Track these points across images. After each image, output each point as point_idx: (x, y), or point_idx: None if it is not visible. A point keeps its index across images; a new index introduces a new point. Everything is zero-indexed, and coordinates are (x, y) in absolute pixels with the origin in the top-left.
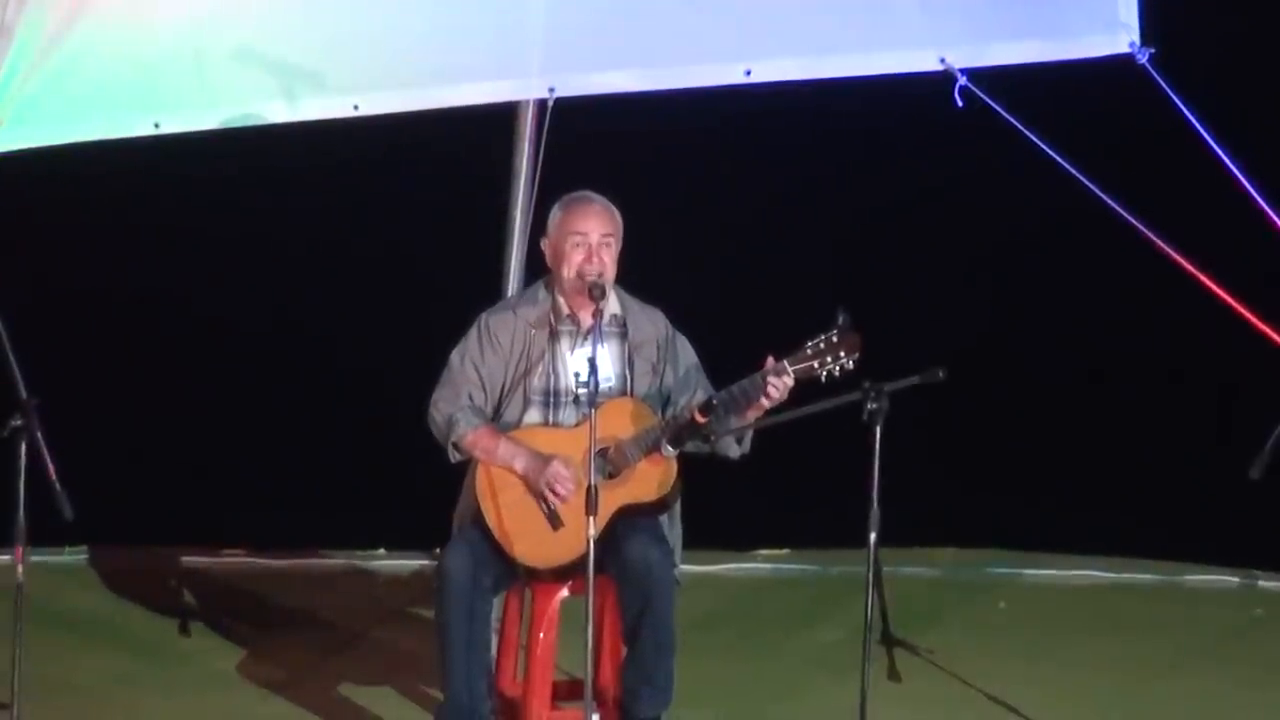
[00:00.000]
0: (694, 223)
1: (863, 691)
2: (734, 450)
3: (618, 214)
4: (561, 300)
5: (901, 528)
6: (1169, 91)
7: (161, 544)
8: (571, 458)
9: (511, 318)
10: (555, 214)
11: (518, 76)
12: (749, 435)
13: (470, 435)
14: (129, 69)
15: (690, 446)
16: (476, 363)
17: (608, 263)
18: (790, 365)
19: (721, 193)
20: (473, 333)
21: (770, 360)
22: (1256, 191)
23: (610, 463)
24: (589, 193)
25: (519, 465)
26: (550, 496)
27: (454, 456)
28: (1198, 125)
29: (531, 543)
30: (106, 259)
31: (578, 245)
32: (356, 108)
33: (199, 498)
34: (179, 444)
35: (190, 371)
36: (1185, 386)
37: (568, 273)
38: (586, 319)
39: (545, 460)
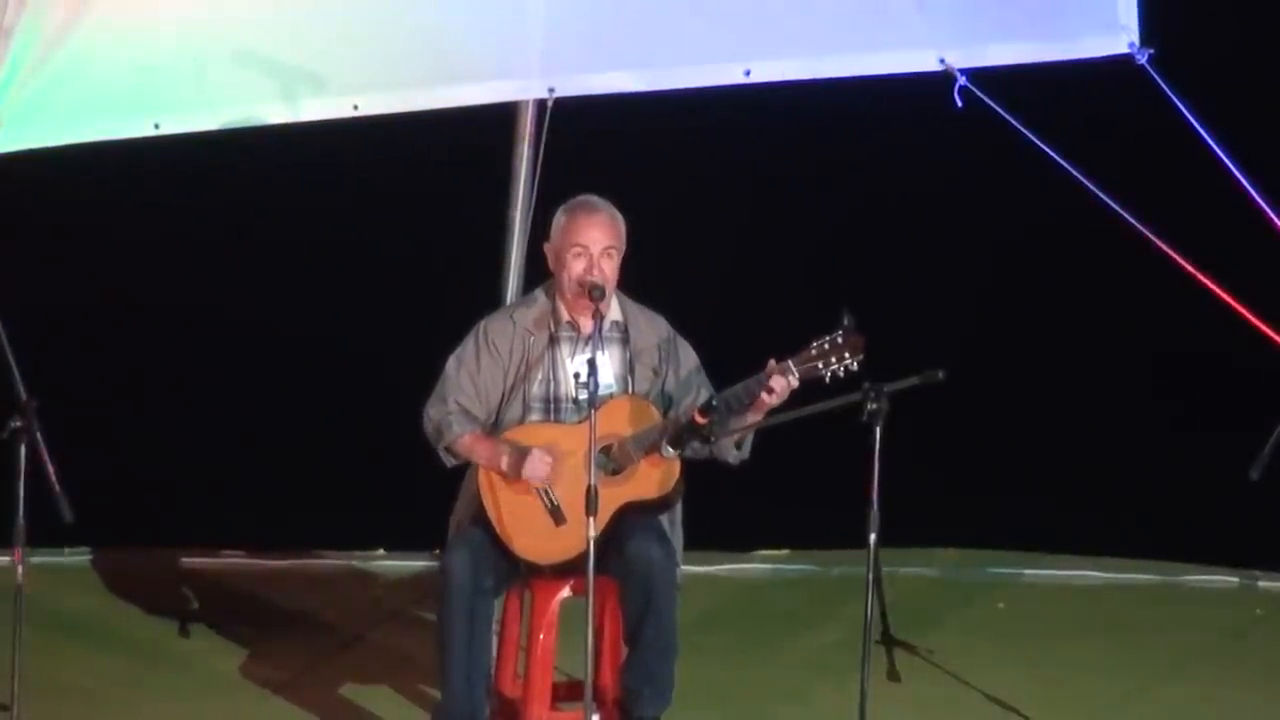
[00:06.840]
0: (694, 223)
1: (863, 692)
2: (732, 455)
3: (621, 221)
4: (562, 306)
5: (901, 528)
6: (1169, 92)
7: (161, 544)
8: (574, 452)
9: (510, 325)
10: (559, 219)
11: (518, 76)
12: (749, 440)
13: (460, 440)
14: (129, 70)
15: (689, 450)
16: (471, 371)
17: (609, 274)
18: (795, 365)
19: (721, 193)
20: (470, 340)
21: (773, 362)
22: (1256, 191)
23: (613, 459)
24: (593, 199)
25: (504, 465)
26: (535, 485)
27: (448, 461)
28: (1197, 125)
29: (533, 538)
30: (106, 259)
31: (579, 256)
32: (356, 108)
33: (199, 498)
34: (179, 444)
35: (190, 371)
36: (1185, 386)
37: (568, 281)
38: (587, 325)
39: (523, 453)
